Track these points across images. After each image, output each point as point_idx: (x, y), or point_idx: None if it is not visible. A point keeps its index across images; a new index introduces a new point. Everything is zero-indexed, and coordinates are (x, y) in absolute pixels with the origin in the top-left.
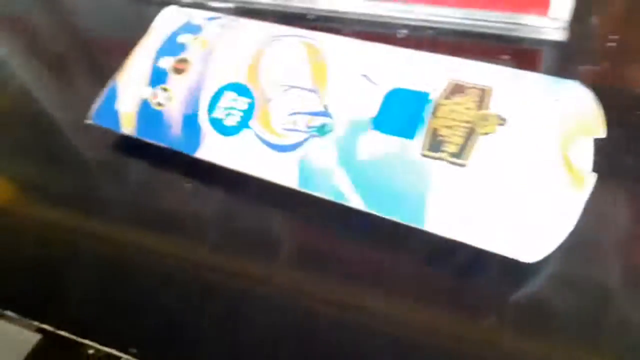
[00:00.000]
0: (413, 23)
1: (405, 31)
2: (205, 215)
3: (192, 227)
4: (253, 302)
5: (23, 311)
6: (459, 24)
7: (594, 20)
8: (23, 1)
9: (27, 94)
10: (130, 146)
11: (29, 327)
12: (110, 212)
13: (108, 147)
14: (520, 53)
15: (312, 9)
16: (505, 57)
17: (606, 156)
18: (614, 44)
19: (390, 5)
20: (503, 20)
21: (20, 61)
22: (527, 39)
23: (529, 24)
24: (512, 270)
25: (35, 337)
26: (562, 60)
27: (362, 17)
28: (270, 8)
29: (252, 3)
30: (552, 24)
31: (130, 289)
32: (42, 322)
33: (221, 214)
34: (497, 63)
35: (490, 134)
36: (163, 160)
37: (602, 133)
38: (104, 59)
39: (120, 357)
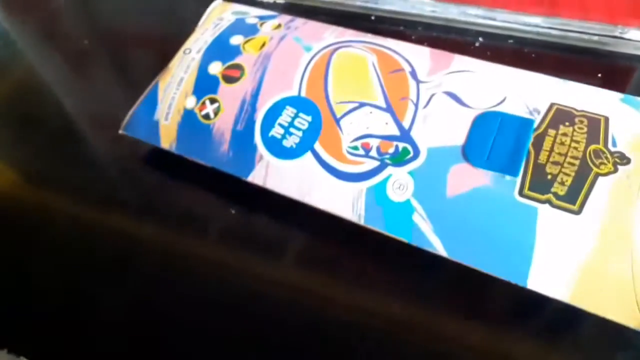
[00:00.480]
0: (491, 30)
1: (481, 39)
2: (253, 247)
3: (239, 259)
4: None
5: None
6: (544, 34)
7: None
8: None
9: (52, 94)
10: (166, 161)
11: None
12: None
13: (140, 159)
14: (616, 72)
15: (376, 9)
16: (598, 75)
17: None
18: None
19: (467, 9)
20: (597, 32)
21: (44, 57)
22: (624, 54)
23: (627, 37)
24: (621, 339)
25: None
26: None
27: (433, 22)
28: (326, 6)
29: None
30: None
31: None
32: None
33: (272, 245)
34: (587, 82)
35: (610, 175)
36: (203, 180)
37: None
38: (136, 57)
39: None
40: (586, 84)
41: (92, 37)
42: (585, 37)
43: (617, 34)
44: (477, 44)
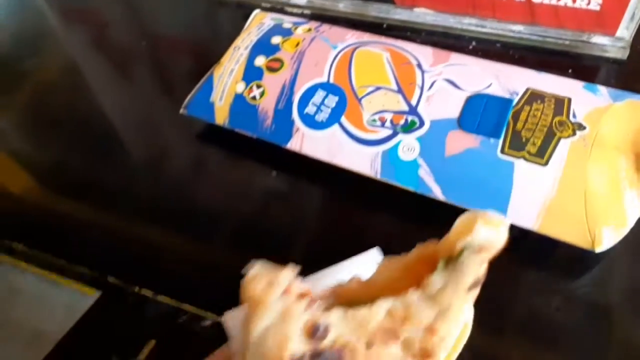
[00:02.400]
0: (483, 37)
1: (474, 43)
2: (291, 202)
3: (277, 210)
4: None
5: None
6: (526, 39)
7: None
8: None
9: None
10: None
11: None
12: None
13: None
14: (583, 68)
15: (388, 18)
16: (569, 71)
17: None
18: None
19: (463, 18)
20: (569, 38)
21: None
22: (589, 55)
23: (593, 41)
24: (577, 260)
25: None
26: (622, 75)
27: (434, 29)
28: (346, 16)
29: (328, 10)
30: (616, 43)
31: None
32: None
33: (306, 201)
34: (562, 76)
35: (570, 138)
36: (247, 151)
37: None
38: (182, 58)
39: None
40: None
41: (140, 43)
42: (559, 41)
43: (584, 39)
44: (470, 47)
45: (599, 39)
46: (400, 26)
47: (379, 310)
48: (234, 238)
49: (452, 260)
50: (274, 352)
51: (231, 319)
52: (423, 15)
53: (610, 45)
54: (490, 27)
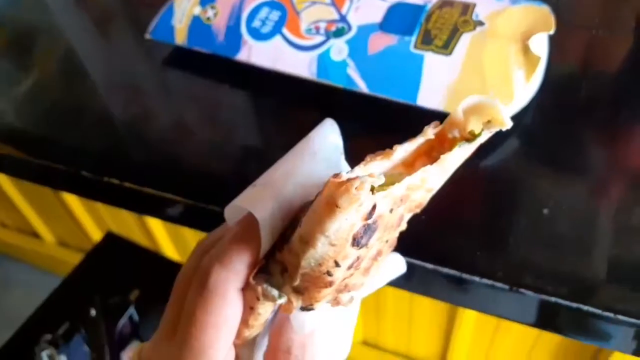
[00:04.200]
0: None
1: None
2: (241, 105)
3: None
4: None
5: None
6: None
7: None
8: None
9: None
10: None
11: None
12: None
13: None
14: None
15: None
16: None
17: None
18: None
19: None
20: None
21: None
22: None
23: None
24: None
25: None
26: None
27: None
28: None
29: None
30: None
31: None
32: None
33: (252, 102)
34: None
35: (470, 32)
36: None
37: (552, 29)
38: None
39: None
40: None
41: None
42: None
43: None
44: None
45: None
46: None
47: (402, 186)
48: (201, 144)
49: (472, 138)
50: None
51: (231, 211)
52: None
53: None
54: None
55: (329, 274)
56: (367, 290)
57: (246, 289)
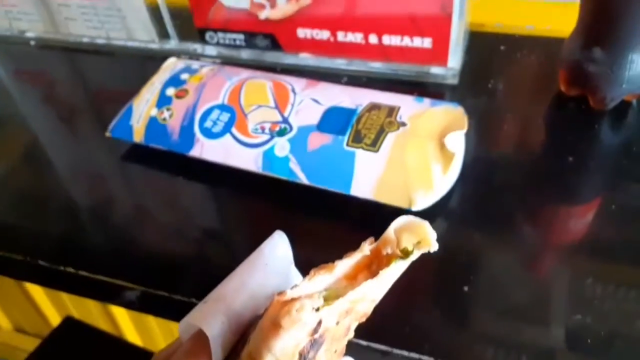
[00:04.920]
0: (352, 73)
1: (346, 79)
2: (195, 197)
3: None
4: None
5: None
6: (383, 73)
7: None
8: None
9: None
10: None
11: None
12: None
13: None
14: (427, 93)
15: (280, 63)
16: (415, 94)
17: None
18: (490, 86)
19: (336, 60)
20: (415, 70)
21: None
22: (431, 82)
23: (432, 72)
24: None
25: None
26: (453, 95)
27: (316, 70)
28: (247, 63)
29: (234, 59)
30: (449, 72)
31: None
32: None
33: (205, 193)
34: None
35: (395, 132)
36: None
37: (465, 128)
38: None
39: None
40: None
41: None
42: (408, 73)
43: (425, 70)
44: (342, 82)
45: (436, 70)
46: (290, 69)
47: (345, 300)
48: (157, 233)
49: (405, 256)
50: (291, 350)
51: (185, 326)
52: (306, 59)
53: (445, 74)
54: (356, 66)
55: None
56: None
57: None
